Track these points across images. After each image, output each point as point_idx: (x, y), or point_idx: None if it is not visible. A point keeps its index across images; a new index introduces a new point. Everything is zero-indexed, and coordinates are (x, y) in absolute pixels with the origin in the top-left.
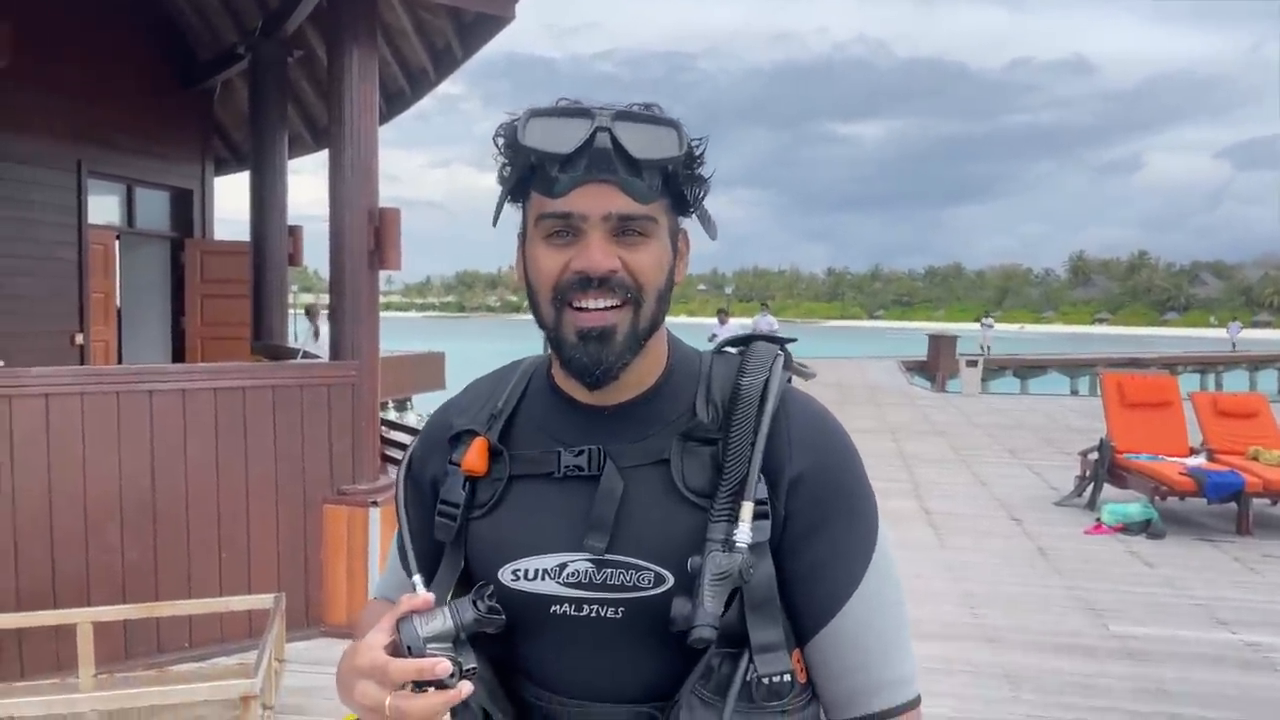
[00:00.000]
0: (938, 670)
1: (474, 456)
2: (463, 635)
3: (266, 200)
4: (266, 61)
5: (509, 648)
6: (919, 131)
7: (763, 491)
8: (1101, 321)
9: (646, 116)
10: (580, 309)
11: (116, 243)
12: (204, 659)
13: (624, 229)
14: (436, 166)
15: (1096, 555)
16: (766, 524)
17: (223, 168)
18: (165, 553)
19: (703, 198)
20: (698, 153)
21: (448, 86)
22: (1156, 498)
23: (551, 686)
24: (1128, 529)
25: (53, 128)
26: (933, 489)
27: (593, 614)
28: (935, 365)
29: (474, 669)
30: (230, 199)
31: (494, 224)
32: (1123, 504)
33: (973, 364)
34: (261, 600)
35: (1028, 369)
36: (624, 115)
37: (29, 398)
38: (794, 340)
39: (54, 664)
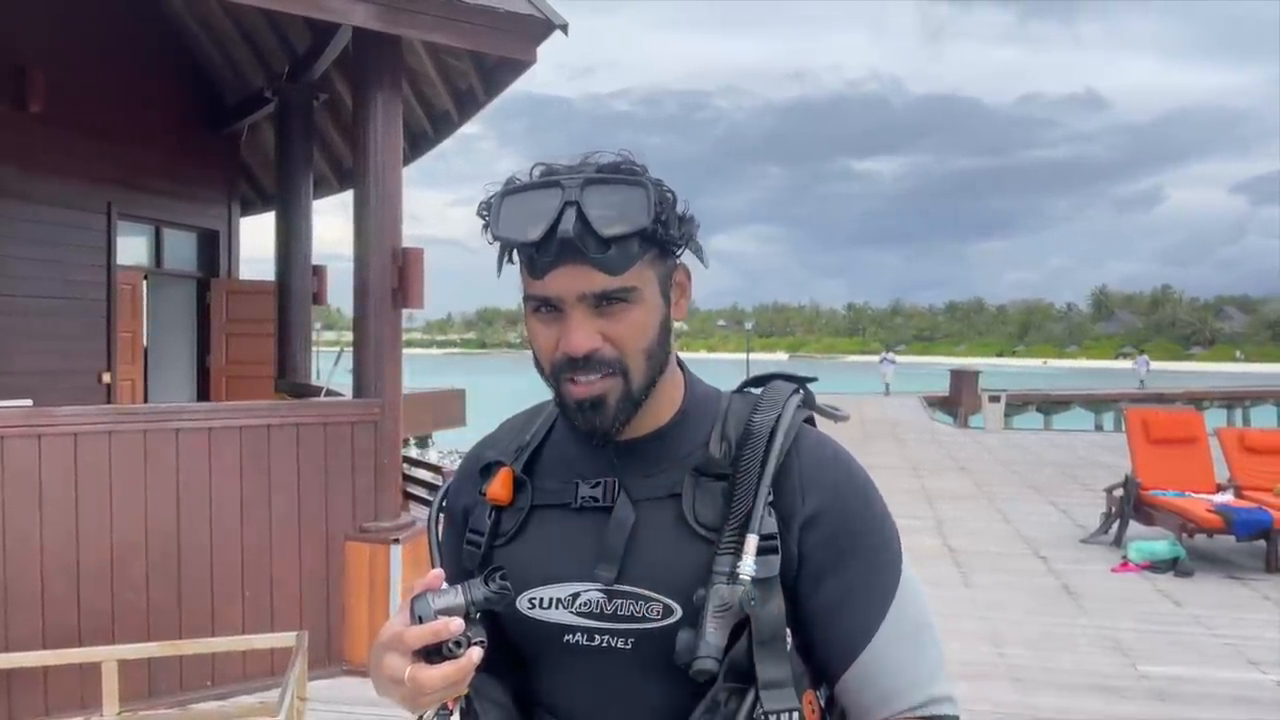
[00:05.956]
0: (963, 711)
1: (498, 485)
2: (474, 611)
3: (291, 240)
4: (293, 105)
5: (526, 679)
6: (936, 167)
7: (771, 526)
8: (1126, 356)
9: (616, 180)
10: (573, 381)
11: (144, 283)
12: (226, 697)
13: (606, 300)
14: (457, 205)
15: (1123, 593)
16: (775, 559)
17: (249, 209)
18: (189, 590)
19: (690, 238)
20: (672, 204)
21: (465, 127)
22: (1184, 535)
23: (566, 717)
24: (1155, 567)
25: (84, 171)
26: (956, 526)
27: (604, 644)
28: (957, 401)
29: (483, 641)
30: (256, 239)
31: (498, 276)
32: (1149, 541)
33: (995, 400)
34: (284, 638)
35: (1051, 404)
36: (594, 181)
37: (58, 436)
38: (814, 380)
39: (79, 702)
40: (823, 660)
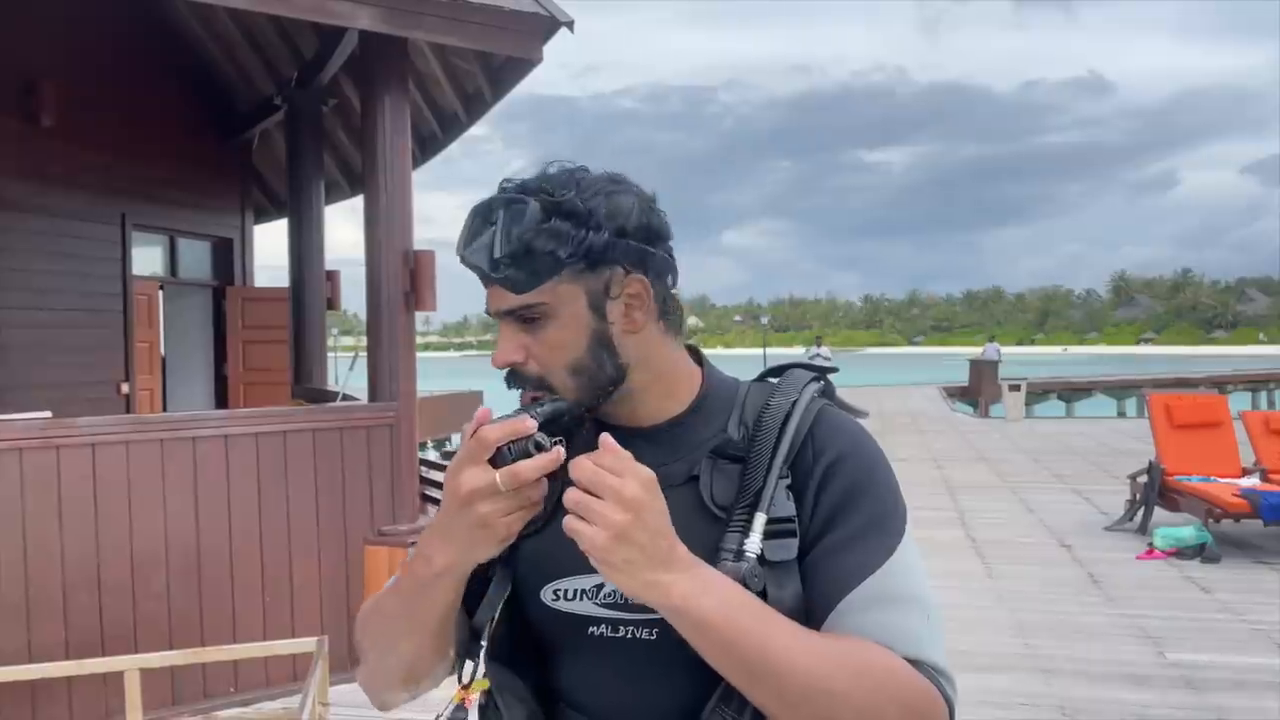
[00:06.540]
0: (990, 703)
1: None
2: (539, 420)
3: (304, 246)
4: (302, 111)
5: (550, 673)
6: (946, 156)
7: (789, 509)
8: (1147, 342)
9: (513, 199)
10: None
11: (160, 293)
12: (249, 703)
13: (522, 318)
14: (467, 207)
15: (1150, 581)
16: (792, 542)
17: (262, 216)
18: (210, 598)
19: (623, 250)
20: (583, 218)
21: (472, 128)
22: (1210, 520)
23: (591, 711)
24: (1181, 553)
25: (97, 183)
26: (979, 517)
27: (628, 635)
28: (977, 390)
29: (561, 441)
30: (269, 246)
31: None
32: (1175, 527)
33: (1015, 388)
34: (305, 644)
35: (1072, 392)
36: (510, 201)
37: (76, 447)
38: (834, 370)
39: (102, 712)
40: (810, 611)
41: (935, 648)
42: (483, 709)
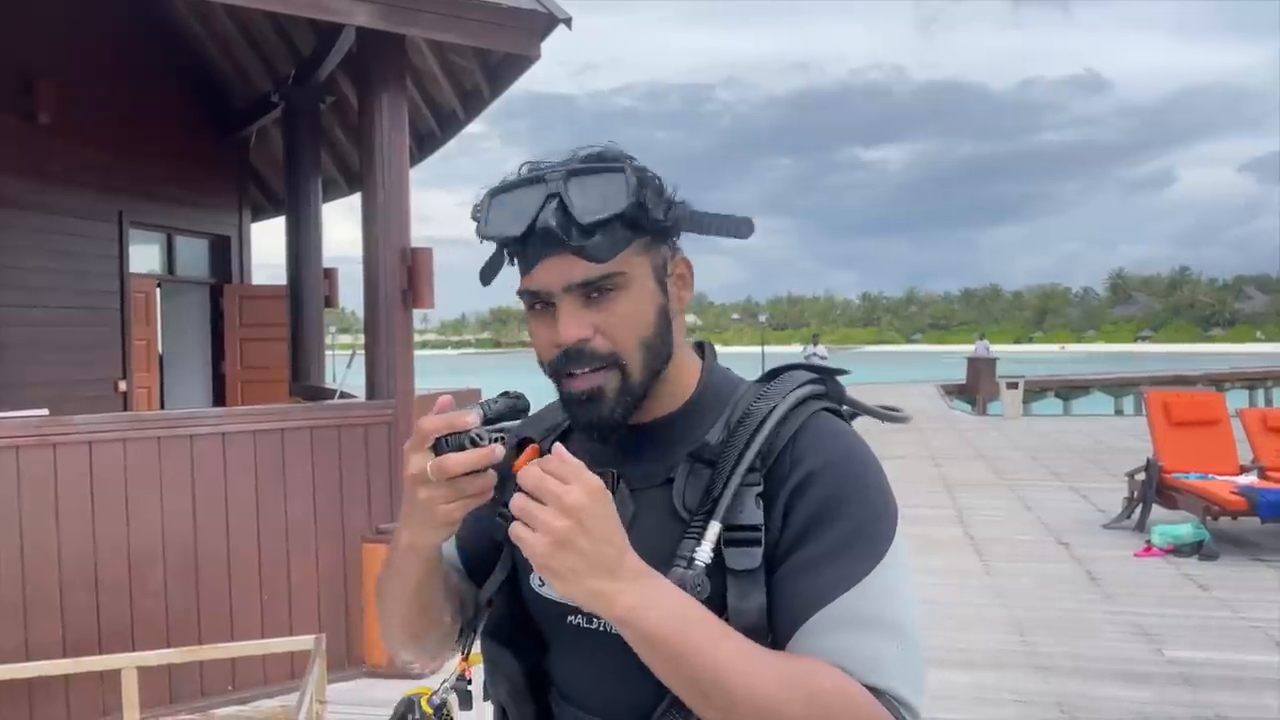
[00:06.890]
0: (987, 700)
1: (522, 462)
2: (490, 415)
3: (302, 244)
4: (300, 108)
5: (544, 657)
6: (944, 154)
7: (756, 517)
8: (1144, 340)
9: (595, 168)
10: (570, 375)
11: (158, 290)
12: (246, 701)
13: (591, 291)
14: (466, 205)
15: (1148, 578)
16: (757, 551)
17: (259, 214)
18: (207, 596)
19: (679, 222)
20: (656, 187)
21: (470, 126)
22: (1208, 518)
23: (573, 698)
24: (1179, 551)
25: (95, 180)
26: (977, 514)
27: (600, 627)
28: (975, 388)
29: (503, 437)
30: (267, 244)
31: (488, 284)
32: (1173, 525)
33: (1013, 386)
34: (303, 642)
35: (1070, 390)
36: (576, 172)
37: (73, 445)
38: (844, 372)
39: (99, 710)
40: (777, 625)
41: (903, 678)
42: (485, 688)
